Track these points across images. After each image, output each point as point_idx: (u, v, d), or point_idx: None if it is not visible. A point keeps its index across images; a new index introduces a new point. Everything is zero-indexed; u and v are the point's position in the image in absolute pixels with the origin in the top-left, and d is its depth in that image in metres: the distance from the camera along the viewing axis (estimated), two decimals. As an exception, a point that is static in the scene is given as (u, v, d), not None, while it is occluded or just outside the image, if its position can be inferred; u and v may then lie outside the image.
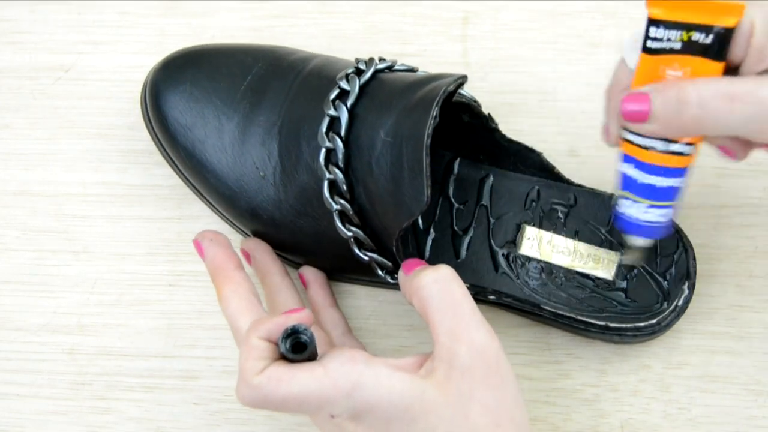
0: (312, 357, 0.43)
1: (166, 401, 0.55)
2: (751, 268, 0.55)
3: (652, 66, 0.41)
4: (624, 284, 0.53)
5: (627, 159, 0.44)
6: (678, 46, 0.40)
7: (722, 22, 0.39)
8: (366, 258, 0.50)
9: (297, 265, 0.55)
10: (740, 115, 0.40)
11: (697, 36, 0.40)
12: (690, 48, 0.40)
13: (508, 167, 0.55)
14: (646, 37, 0.40)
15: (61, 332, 0.56)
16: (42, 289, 0.57)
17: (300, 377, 0.42)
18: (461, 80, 0.49)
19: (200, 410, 0.55)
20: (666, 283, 0.52)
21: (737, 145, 0.45)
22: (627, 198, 0.45)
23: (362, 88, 0.50)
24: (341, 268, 0.54)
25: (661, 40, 0.40)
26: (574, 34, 0.60)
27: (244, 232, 0.55)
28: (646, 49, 0.40)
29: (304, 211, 0.51)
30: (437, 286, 0.44)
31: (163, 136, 0.54)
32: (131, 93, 0.60)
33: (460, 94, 0.53)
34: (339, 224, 0.50)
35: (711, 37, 0.40)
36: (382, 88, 0.50)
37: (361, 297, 0.56)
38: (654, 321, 0.52)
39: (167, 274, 0.57)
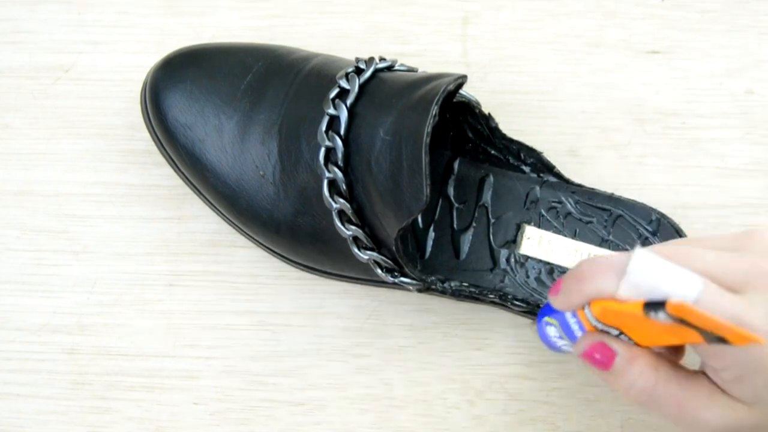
0: None
1: (166, 401, 0.55)
2: (751, 268, 0.55)
3: (636, 314, 0.38)
4: (624, 284, 0.53)
5: (575, 317, 0.43)
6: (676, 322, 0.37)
7: (736, 342, 0.36)
8: (365, 257, 0.50)
9: (297, 266, 0.55)
10: (678, 422, 0.41)
11: (704, 334, 0.37)
12: (682, 323, 0.37)
13: (508, 167, 0.55)
14: (653, 309, 0.37)
15: (61, 332, 0.56)
16: (42, 289, 0.57)
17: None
18: (461, 80, 0.49)
19: (200, 410, 0.55)
20: (666, 282, 0.52)
21: None
22: (557, 328, 0.45)
23: (362, 87, 0.50)
24: (341, 268, 0.54)
25: (664, 320, 0.37)
26: (574, 34, 0.60)
27: (244, 231, 0.55)
28: (645, 310, 0.37)
29: (303, 210, 0.51)
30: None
31: (162, 135, 0.54)
32: (131, 93, 0.60)
33: (460, 94, 0.53)
34: (338, 223, 0.50)
35: (712, 340, 0.37)
36: (382, 87, 0.50)
37: (361, 297, 0.56)
38: (654, 321, 0.52)
39: (167, 273, 0.57)
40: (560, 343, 0.45)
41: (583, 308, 0.42)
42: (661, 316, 0.36)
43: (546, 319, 0.45)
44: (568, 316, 0.43)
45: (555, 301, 0.43)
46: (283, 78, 0.53)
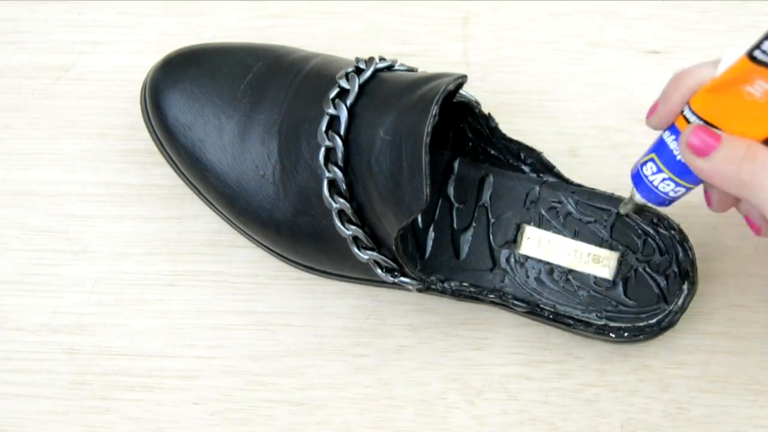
0: None
1: (166, 401, 0.55)
2: (751, 268, 0.55)
3: (742, 73, 0.40)
4: (624, 284, 0.53)
5: (673, 131, 0.44)
6: None
7: None
8: (365, 257, 0.50)
9: (297, 266, 0.55)
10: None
11: None
12: None
13: (508, 167, 0.55)
14: (757, 47, 0.39)
15: (61, 332, 0.56)
16: (42, 289, 0.57)
17: None
18: (461, 80, 0.49)
19: (200, 410, 0.55)
20: (666, 282, 0.52)
21: (765, 223, 0.45)
22: (654, 162, 0.45)
23: (362, 87, 0.50)
24: (341, 268, 0.54)
25: None
26: (574, 34, 0.60)
27: (243, 231, 0.55)
28: (751, 56, 0.39)
29: (303, 210, 0.51)
30: None
31: (162, 135, 0.54)
32: (131, 93, 0.60)
33: (460, 94, 0.53)
34: (338, 223, 0.50)
35: None
36: (382, 87, 0.50)
37: (361, 297, 0.56)
38: (654, 321, 0.52)
39: (167, 273, 0.57)
40: (659, 178, 0.45)
41: (681, 113, 0.43)
42: (766, 45, 0.38)
43: (642, 162, 0.46)
44: (666, 136, 0.44)
45: (656, 116, 0.44)
46: (283, 78, 0.53)
